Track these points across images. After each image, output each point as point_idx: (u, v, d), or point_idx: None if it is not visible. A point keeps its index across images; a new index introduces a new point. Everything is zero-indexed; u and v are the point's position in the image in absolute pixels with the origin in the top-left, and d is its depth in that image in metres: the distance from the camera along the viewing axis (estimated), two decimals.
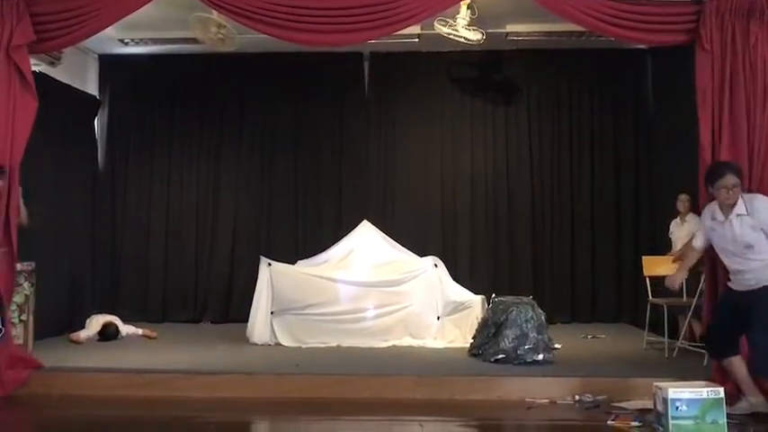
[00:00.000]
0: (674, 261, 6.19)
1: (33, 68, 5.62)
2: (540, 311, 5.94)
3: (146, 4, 5.45)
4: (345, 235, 7.44)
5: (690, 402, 4.06)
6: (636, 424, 4.35)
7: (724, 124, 4.99)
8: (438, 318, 6.72)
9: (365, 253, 7.18)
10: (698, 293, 5.75)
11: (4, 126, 5.21)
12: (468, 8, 6.37)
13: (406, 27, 5.54)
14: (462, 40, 6.64)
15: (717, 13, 5.04)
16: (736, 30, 5.05)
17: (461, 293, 6.80)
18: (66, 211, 7.57)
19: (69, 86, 7.73)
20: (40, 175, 6.67)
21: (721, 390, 4.15)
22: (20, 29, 5.26)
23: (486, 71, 8.37)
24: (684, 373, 5.01)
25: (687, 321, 6.10)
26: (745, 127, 4.96)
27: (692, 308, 5.87)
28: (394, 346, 6.57)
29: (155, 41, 7.86)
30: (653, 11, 5.18)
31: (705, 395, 4.09)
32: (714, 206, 4.59)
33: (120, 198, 8.54)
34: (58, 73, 7.32)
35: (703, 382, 4.35)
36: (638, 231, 8.17)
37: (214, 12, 6.05)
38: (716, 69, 5.04)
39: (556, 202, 8.34)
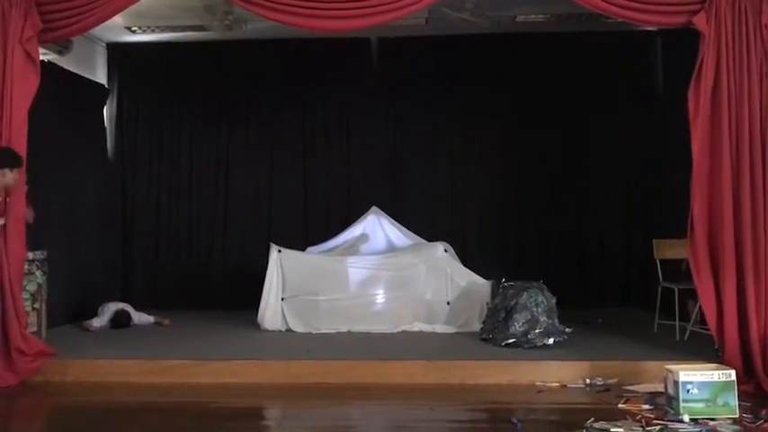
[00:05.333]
0: None
1: (42, 58, 5.63)
2: (550, 295, 5.93)
3: None
4: (354, 221, 7.46)
5: (701, 385, 4.07)
6: (647, 407, 4.36)
7: (731, 108, 4.97)
8: (448, 303, 6.73)
9: (374, 238, 7.20)
10: None
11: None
12: None
13: (414, 11, 5.50)
14: (470, 23, 6.60)
15: None
16: (748, 10, 5.00)
17: (471, 278, 6.80)
18: (77, 200, 7.60)
19: (78, 75, 7.73)
20: (49, 164, 6.70)
21: (732, 372, 4.16)
22: (28, 19, 5.26)
23: (495, 54, 8.30)
24: (695, 357, 5.02)
25: (698, 305, 6.07)
26: (758, 111, 4.93)
27: None
28: (404, 331, 6.58)
29: (162, 29, 7.85)
30: None
31: (716, 378, 4.10)
32: None
33: (130, 186, 8.57)
34: (66, 62, 7.32)
35: (714, 365, 4.35)
36: (647, 214, 8.12)
37: None
38: (725, 50, 5.00)
39: (565, 185, 8.29)
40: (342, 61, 8.37)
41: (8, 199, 5.17)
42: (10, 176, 5.08)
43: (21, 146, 5.22)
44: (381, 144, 8.47)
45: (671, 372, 4.18)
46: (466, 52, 8.27)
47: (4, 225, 5.14)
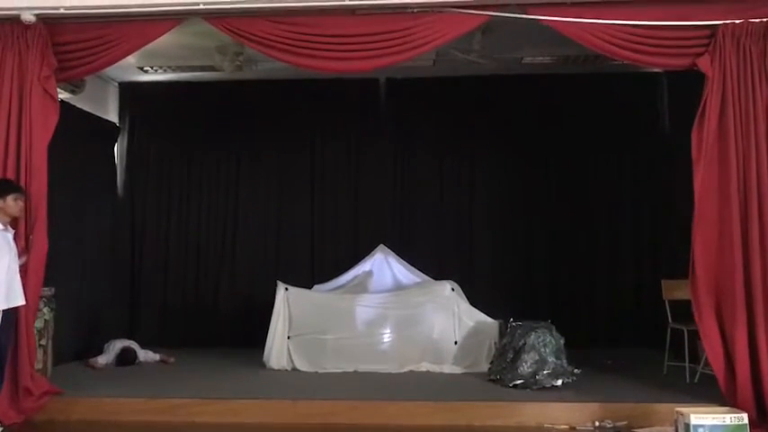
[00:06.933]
0: None
1: None
2: (559, 335, 5.89)
3: (165, 32, 5.56)
4: (362, 259, 7.46)
5: (712, 429, 4.02)
6: None
7: (738, 151, 4.99)
8: (455, 342, 6.68)
9: (382, 277, 7.19)
10: None
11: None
12: (482, 33, 6.42)
13: (421, 53, 5.58)
14: (477, 64, 6.68)
15: (732, 36, 5.05)
16: (753, 52, 5.05)
17: (478, 318, 6.76)
18: (87, 237, 7.64)
19: (90, 114, 7.85)
20: (60, 201, 6.74)
21: (745, 416, 4.10)
22: (45, 58, 5.38)
23: (502, 95, 8.38)
24: (706, 399, 4.95)
25: None
26: (765, 153, 4.95)
27: None
28: (411, 371, 6.53)
29: (174, 69, 7.99)
30: (666, 35, 5.20)
31: (728, 421, 4.05)
32: None
33: (139, 224, 8.62)
34: (78, 101, 7.44)
35: (726, 408, 4.29)
36: (657, 254, 8.09)
37: (232, 39, 6.14)
38: (730, 92, 5.04)
39: (573, 225, 8.29)
40: (350, 101, 8.47)
41: (30, 237, 5.20)
42: (11, 205, 4.98)
43: (41, 179, 5.30)
44: (389, 182, 8.51)
45: (681, 414, 4.12)
46: (473, 93, 8.35)
47: (26, 262, 5.16)
